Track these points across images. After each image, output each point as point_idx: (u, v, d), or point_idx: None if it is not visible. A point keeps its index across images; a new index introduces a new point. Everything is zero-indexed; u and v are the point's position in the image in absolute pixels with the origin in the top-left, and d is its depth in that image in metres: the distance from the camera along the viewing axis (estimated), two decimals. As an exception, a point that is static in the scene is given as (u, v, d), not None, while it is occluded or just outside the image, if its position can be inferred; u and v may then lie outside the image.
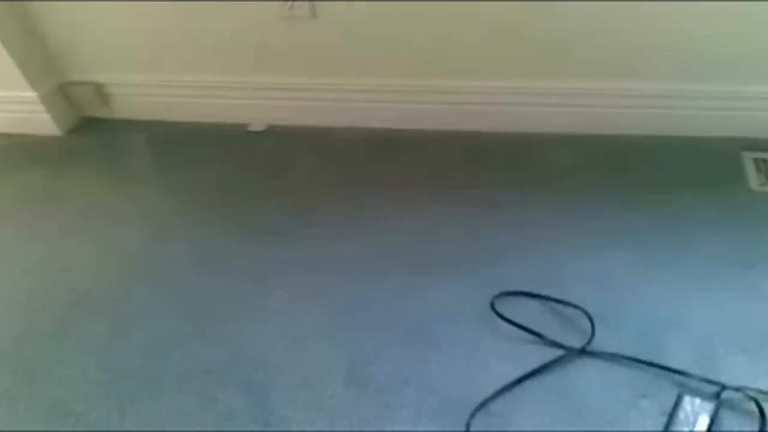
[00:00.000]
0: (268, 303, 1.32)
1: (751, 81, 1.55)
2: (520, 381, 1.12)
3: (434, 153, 1.73)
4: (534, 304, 1.27)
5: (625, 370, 1.13)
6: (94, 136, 1.97)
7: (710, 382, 1.08)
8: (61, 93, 1.96)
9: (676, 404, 1.06)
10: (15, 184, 1.76)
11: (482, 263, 1.37)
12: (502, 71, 1.66)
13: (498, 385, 1.11)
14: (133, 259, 1.47)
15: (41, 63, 1.88)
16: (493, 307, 1.25)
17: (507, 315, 1.23)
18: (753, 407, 1.04)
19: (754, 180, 1.50)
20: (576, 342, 1.17)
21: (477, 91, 1.71)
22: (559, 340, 1.18)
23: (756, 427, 1.02)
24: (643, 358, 1.13)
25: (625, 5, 1.46)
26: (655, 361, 1.12)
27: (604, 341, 1.17)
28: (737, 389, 1.06)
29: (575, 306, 1.23)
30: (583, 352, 1.16)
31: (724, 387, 1.07)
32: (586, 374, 1.13)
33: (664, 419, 1.05)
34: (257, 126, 1.91)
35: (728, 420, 1.04)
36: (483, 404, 1.09)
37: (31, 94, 1.87)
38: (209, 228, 1.54)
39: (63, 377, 1.21)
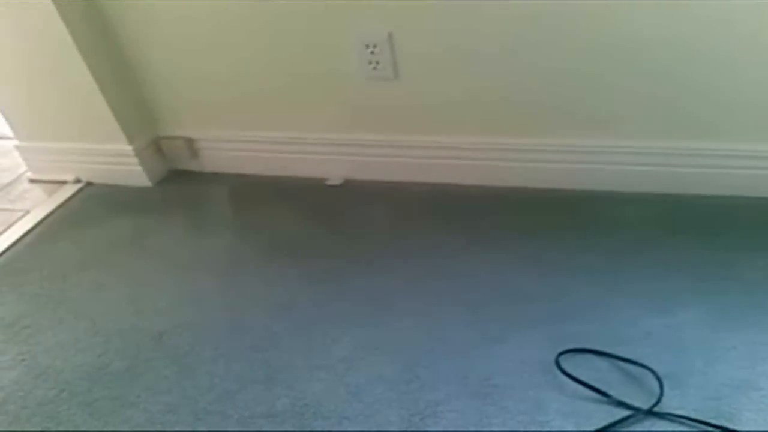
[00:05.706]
0: (334, 350, 1.35)
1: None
2: (584, 440, 1.09)
3: (501, 209, 1.74)
4: (600, 362, 1.24)
5: (694, 434, 1.08)
6: (180, 187, 2.08)
7: (786, 450, 1.03)
8: (154, 147, 2.10)
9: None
10: (105, 231, 1.87)
11: (549, 319, 1.35)
12: (576, 129, 1.67)
13: (561, 443, 1.09)
14: (206, 304, 1.53)
15: (138, 119, 2.03)
16: (558, 363, 1.23)
17: (572, 372, 1.21)
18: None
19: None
20: (643, 403, 1.14)
21: (546, 148, 1.72)
22: (626, 399, 1.15)
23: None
24: (713, 421, 1.08)
25: (712, 60, 1.46)
26: (727, 425, 1.07)
27: (672, 403, 1.13)
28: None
29: (643, 365, 1.20)
30: (650, 413, 1.12)
31: (802, 457, 1.01)
32: (653, 436, 1.09)
33: (735, 487, 1.00)
34: (335, 180, 1.98)
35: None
36: (545, 462, 1.07)
37: (128, 147, 2.00)
38: (282, 276, 1.59)
39: (129, 417, 1.26)
